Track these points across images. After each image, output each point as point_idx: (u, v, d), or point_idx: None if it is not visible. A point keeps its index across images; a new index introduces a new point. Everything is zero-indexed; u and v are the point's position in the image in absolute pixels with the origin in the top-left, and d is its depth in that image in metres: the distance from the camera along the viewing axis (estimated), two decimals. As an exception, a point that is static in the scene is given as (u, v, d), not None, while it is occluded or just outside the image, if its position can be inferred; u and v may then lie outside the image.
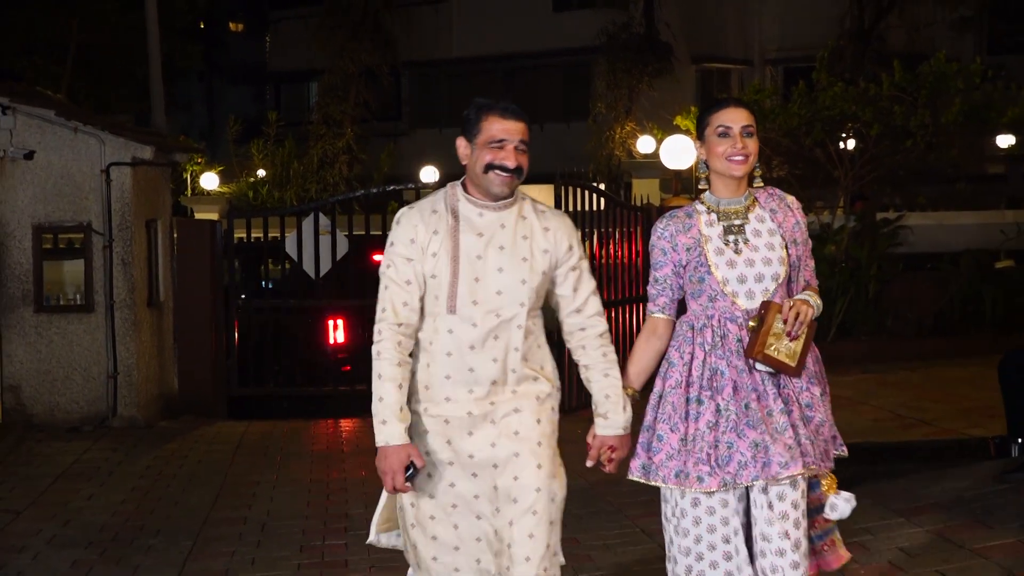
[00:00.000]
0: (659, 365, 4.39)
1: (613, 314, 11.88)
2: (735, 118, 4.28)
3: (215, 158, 27.41)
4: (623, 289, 12.47)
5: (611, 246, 12.32)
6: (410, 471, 4.14)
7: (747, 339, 4.17)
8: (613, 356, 4.39)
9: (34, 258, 11.58)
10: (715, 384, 4.19)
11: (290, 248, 12.94)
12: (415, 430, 4.24)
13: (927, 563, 6.00)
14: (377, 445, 4.16)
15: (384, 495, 4.44)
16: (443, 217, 4.24)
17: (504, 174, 4.18)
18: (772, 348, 4.12)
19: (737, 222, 4.29)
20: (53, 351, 11.62)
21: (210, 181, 24.28)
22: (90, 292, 11.64)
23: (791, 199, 4.42)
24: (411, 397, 4.25)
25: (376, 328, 4.23)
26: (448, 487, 4.25)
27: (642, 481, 4.26)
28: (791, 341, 4.14)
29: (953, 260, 16.54)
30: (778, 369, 4.15)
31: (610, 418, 4.33)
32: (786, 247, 4.28)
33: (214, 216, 16.57)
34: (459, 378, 4.21)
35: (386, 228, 13.27)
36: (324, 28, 28.39)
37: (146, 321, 12.03)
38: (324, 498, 8.63)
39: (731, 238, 4.26)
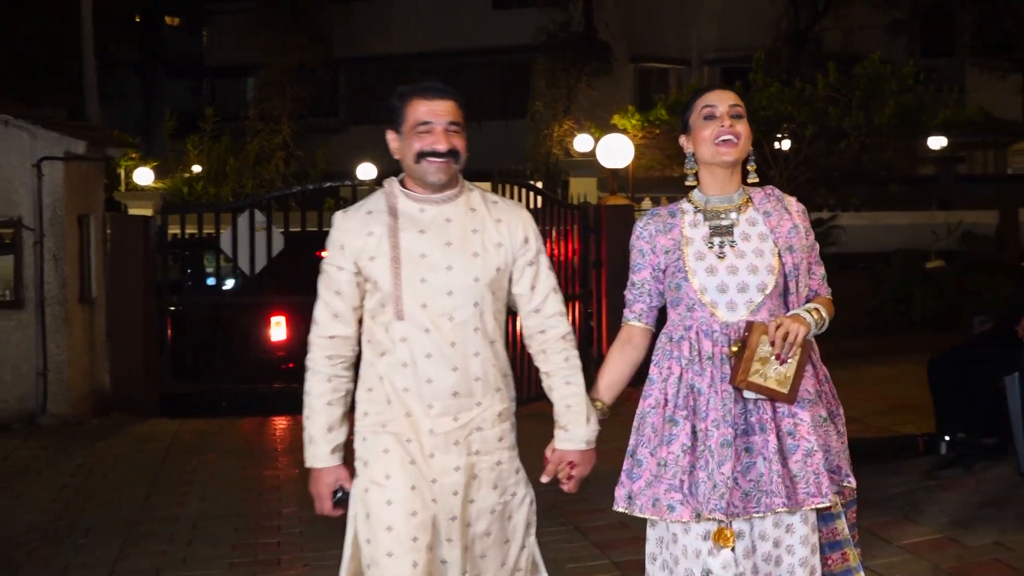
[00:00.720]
0: (640, 381, 3.92)
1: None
2: (721, 98, 3.86)
3: (150, 153, 27.24)
4: (560, 287, 12.48)
5: (548, 244, 12.34)
6: (338, 495, 3.85)
7: (733, 362, 3.70)
8: (576, 361, 3.96)
9: (-38, 253, 11.44)
10: (691, 404, 3.74)
11: (225, 245, 12.85)
12: (372, 451, 3.84)
13: (856, 560, 6.05)
14: (306, 466, 3.89)
15: (346, 537, 3.90)
16: (380, 217, 3.83)
17: (437, 159, 3.77)
18: (758, 374, 3.65)
19: (725, 222, 3.84)
20: (-18, 347, 11.46)
21: (144, 176, 24.10)
22: (20, 288, 11.51)
23: (791, 200, 3.95)
24: (367, 414, 3.86)
25: (308, 339, 3.91)
26: (410, 516, 3.77)
27: (628, 513, 3.80)
28: (781, 364, 3.66)
29: (885, 260, 16.76)
30: (769, 397, 3.67)
31: (571, 431, 3.90)
32: (779, 254, 3.80)
33: (148, 212, 16.41)
34: (417, 391, 3.78)
35: (323, 225, 13.27)
36: (260, 23, 28.25)
37: (77, 318, 11.90)
38: (257, 496, 8.58)
39: (716, 240, 3.81)
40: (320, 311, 3.89)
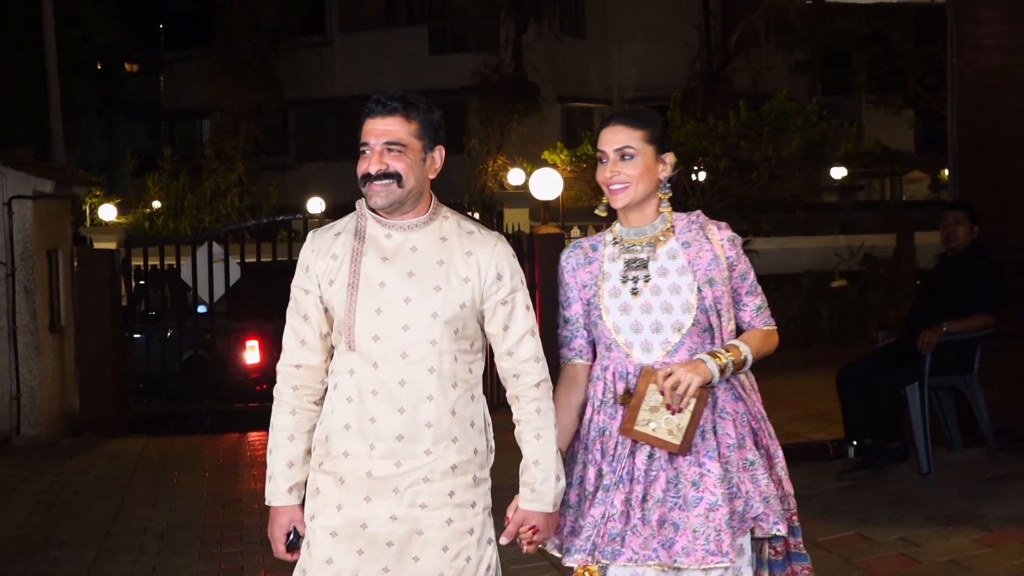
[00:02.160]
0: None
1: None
2: (610, 140, 3.39)
3: (113, 190, 27.04)
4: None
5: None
6: (291, 538, 3.35)
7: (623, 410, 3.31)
8: (549, 413, 3.32)
9: (-61, 286, 11.27)
10: (599, 447, 3.34)
11: (185, 275, 12.81)
12: (310, 488, 3.34)
13: (775, 556, 6.10)
14: (266, 504, 3.39)
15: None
16: (346, 239, 3.30)
17: (375, 183, 3.21)
18: (648, 425, 3.23)
19: (641, 256, 3.38)
20: (-42, 374, 11.30)
21: (108, 212, 23.91)
22: (-7, 318, 11.37)
23: (714, 228, 3.41)
24: (313, 449, 3.35)
25: (277, 370, 3.40)
26: (324, 563, 3.26)
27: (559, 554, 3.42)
28: (673, 415, 3.22)
29: (794, 280, 16.93)
30: (659, 447, 3.25)
31: (537, 491, 3.29)
32: (698, 289, 3.32)
33: (112, 245, 16.27)
34: (359, 429, 3.23)
35: (276, 256, 13.25)
36: (214, 69, 28.15)
37: (48, 345, 11.77)
38: (220, 508, 8.51)
39: (631, 275, 3.37)
40: (287, 338, 3.38)
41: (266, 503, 3.37)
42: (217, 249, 12.81)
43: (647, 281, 3.35)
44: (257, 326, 13.35)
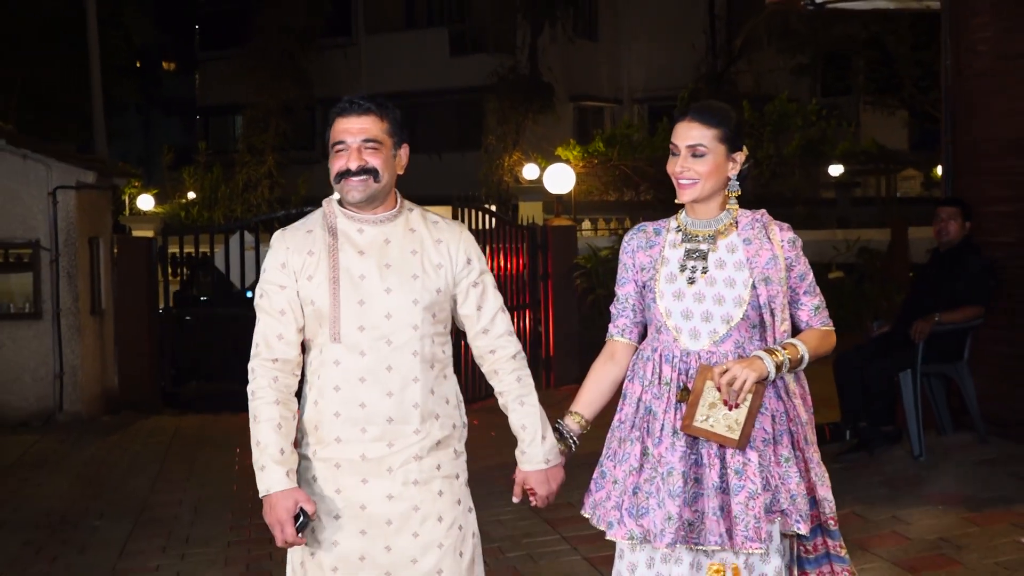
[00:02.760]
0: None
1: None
2: (684, 135, 3.29)
3: (150, 182, 27.08)
4: (511, 297, 12.51)
5: (501, 259, 12.37)
6: (300, 519, 3.18)
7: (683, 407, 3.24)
8: (528, 380, 3.41)
9: (-13, 271, 11.35)
10: (646, 425, 3.27)
11: (219, 262, 12.84)
12: (303, 477, 3.28)
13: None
14: (260, 496, 3.23)
15: (288, 566, 3.40)
16: (319, 236, 3.29)
17: (353, 178, 3.22)
18: (707, 420, 3.15)
19: (702, 247, 3.29)
20: (4, 354, 11.36)
21: (146, 202, 23.97)
22: (38, 301, 11.43)
23: (776, 228, 3.34)
24: (301, 440, 3.31)
25: (250, 366, 3.29)
26: (331, 546, 3.26)
27: (590, 521, 3.38)
28: (731, 411, 3.14)
29: (794, 272, 16.84)
30: (717, 442, 3.18)
31: (527, 452, 3.38)
32: (752, 285, 3.24)
33: (150, 233, 16.27)
34: (349, 415, 3.23)
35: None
36: (247, 68, 28.16)
37: (89, 327, 11.82)
38: (250, 482, 8.51)
39: (689, 264, 3.28)
40: (262, 333, 3.29)
41: (261, 495, 3.22)
42: (248, 238, 12.84)
43: (704, 272, 3.27)
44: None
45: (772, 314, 3.26)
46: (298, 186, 26.61)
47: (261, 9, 28.31)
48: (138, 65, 34.79)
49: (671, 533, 3.15)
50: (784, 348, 3.23)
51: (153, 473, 8.98)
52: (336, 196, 3.34)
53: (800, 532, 3.22)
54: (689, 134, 3.28)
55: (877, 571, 5.34)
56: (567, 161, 20.51)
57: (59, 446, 10.17)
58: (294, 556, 3.35)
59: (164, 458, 9.65)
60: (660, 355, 3.29)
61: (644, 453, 3.26)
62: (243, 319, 13.44)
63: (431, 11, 33.36)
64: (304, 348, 3.34)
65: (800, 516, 3.22)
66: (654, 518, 3.18)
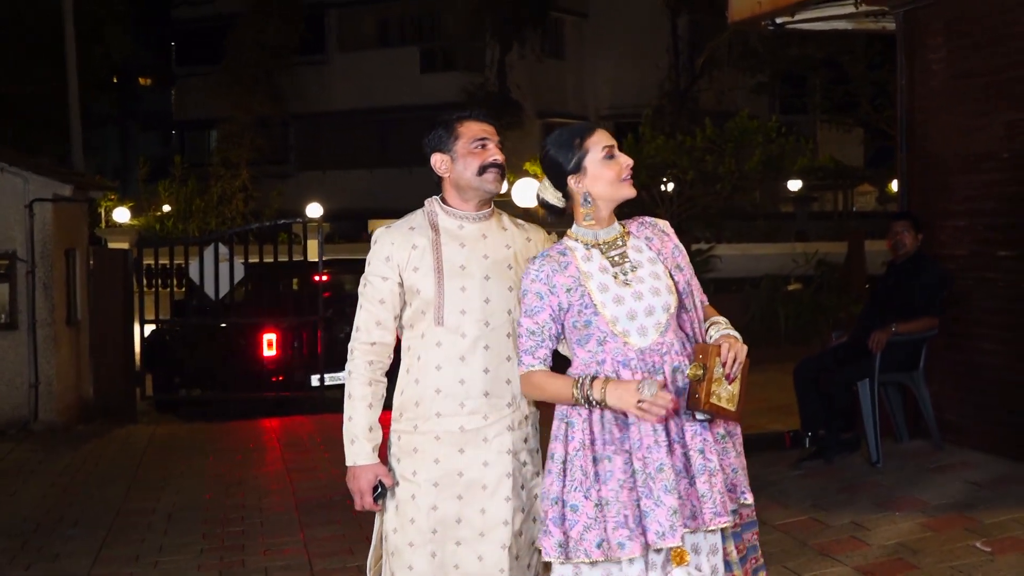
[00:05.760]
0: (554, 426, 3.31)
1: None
2: (611, 137, 3.38)
3: (126, 195, 26.92)
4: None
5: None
6: (378, 491, 3.50)
7: (692, 385, 3.18)
8: None
9: (-37, 282, 11.20)
10: (620, 435, 3.18)
11: (193, 273, 12.73)
12: (404, 449, 3.53)
13: (736, 538, 6.07)
14: (347, 465, 3.52)
15: (375, 531, 3.66)
16: (423, 231, 3.54)
17: (496, 170, 3.53)
18: (715, 396, 3.18)
19: (620, 251, 3.33)
20: (-20, 364, 11.23)
21: (122, 215, 23.83)
22: (15, 312, 11.31)
23: (664, 224, 3.49)
24: (402, 415, 3.54)
25: (349, 347, 3.57)
26: (431, 510, 3.48)
27: (561, 562, 3.19)
28: (729, 384, 3.22)
29: (754, 284, 16.94)
30: (721, 417, 3.23)
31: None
32: (671, 274, 3.33)
33: (125, 246, 16.19)
34: (449, 391, 3.47)
35: (277, 256, 13.14)
36: (223, 83, 28.07)
37: (65, 337, 11.70)
38: (223, 490, 8.44)
39: (617, 270, 3.28)
40: (363, 319, 3.55)
41: (348, 464, 3.50)
42: (223, 250, 12.75)
43: (635, 270, 3.29)
44: (275, 322, 13.06)
45: (692, 298, 3.38)
46: (272, 199, 26.53)
47: (237, 26, 28.25)
48: (116, 80, 34.55)
49: (679, 528, 3.11)
50: (722, 323, 3.35)
51: (127, 482, 8.87)
52: (436, 198, 3.61)
53: (747, 502, 3.32)
54: (610, 136, 3.39)
55: (837, 576, 5.33)
56: (535, 176, 20.51)
57: (34, 455, 10.03)
58: (388, 523, 3.56)
59: (138, 467, 9.54)
60: (611, 364, 3.20)
61: (627, 464, 3.16)
62: (216, 330, 13.59)
63: (403, 30, 33.39)
64: (400, 334, 3.59)
65: (744, 488, 3.32)
66: (658, 517, 3.11)
